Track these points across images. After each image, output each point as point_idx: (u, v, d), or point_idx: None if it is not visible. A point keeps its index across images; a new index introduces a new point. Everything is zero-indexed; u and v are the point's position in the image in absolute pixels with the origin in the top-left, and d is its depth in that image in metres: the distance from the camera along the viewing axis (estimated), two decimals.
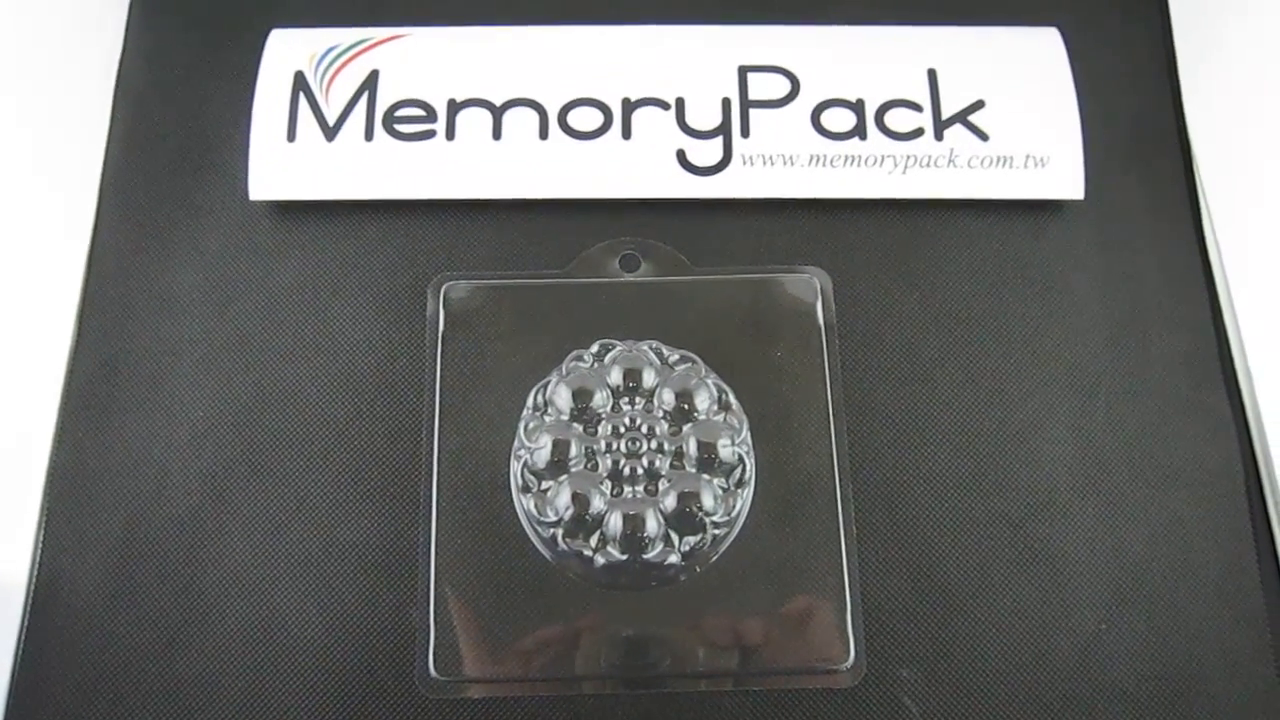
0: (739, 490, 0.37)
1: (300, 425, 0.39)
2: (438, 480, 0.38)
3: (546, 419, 0.38)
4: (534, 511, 0.37)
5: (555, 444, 0.37)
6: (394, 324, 0.40)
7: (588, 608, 0.37)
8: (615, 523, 0.36)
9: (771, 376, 0.39)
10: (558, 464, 0.37)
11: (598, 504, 0.36)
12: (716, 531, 0.37)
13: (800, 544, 0.38)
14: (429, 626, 0.36)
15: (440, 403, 0.40)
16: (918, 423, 0.40)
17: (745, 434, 0.38)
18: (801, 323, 0.40)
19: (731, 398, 0.38)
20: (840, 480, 0.39)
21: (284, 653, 0.36)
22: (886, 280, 0.41)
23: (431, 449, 0.38)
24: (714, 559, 0.38)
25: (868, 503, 0.39)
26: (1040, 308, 0.41)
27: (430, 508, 0.38)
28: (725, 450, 0.37)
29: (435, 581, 0.37)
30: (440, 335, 0.41)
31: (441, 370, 0.40)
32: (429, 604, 0.36)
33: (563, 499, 0.36)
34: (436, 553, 0.37)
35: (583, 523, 0.36)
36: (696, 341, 0.39)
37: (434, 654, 0.36)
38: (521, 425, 0.38)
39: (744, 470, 0.37)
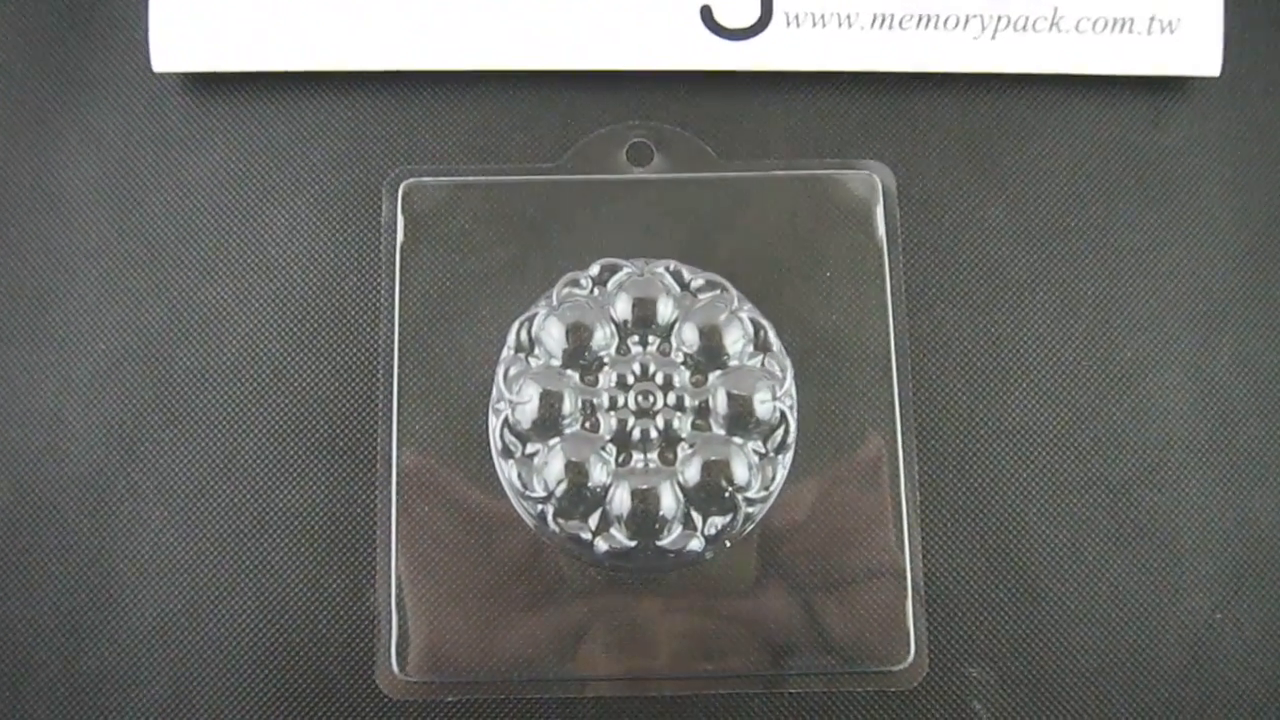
0: (779, 456, 0.29)
1: (226, 362, 0.33)
2: (399, 433, 0.32)
3: (532, 363, 0.29)
4: (517, 483, 0.28)
5: (543, 397, 0.28)
6: (341, 234, 0.34)
7: (588, 594, 0.30)
8: (622, 499, 0.28)
9: (819, 305, 0.32)
10: (547, 423, 0.28)
11: (599, 475, 0.28)
12: (751, 510, 0.28)
13: (850, 516, 0.31)
14: (391, 614, 0.31)
15: (400, 335, 0.32)
16: (1000, 363, 0.34)
17: (789, 383, 0.29)
18: (857, 235, 0.33)
19: (771, 335, 0.30)
20: (903, 436, 0.32)
21: (212, 644, 0.31)
22: (965, 180, 0.35)
23: (390, 393, 0.32)
24: (744, 535, 0.30)
25: (935, 464, 0.33)
26: (1158, 217, 0.35)
27: (390, 467, 0.31)
28: (763, 406, 0.28)
29: (398, 559, 0.31)
30: (399, 249, 0.32)
31: (401, 294, 0.32)
32: (390, 587, 0.31)
33: (554, 469, 0.28)
34: (399, 523, 0.31)
35: (580, 499, 0.28)
36: (726, 261, 0.32)
37: (397, 648, 0.30)
38: (500, 371, 0.29)
39: (786, 430, 0.29)
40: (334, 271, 0.34)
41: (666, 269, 0.30)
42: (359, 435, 0.32)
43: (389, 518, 0.32)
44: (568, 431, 0.29)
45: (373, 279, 0.33)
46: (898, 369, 0.32)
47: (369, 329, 0.33)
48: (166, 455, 0.33)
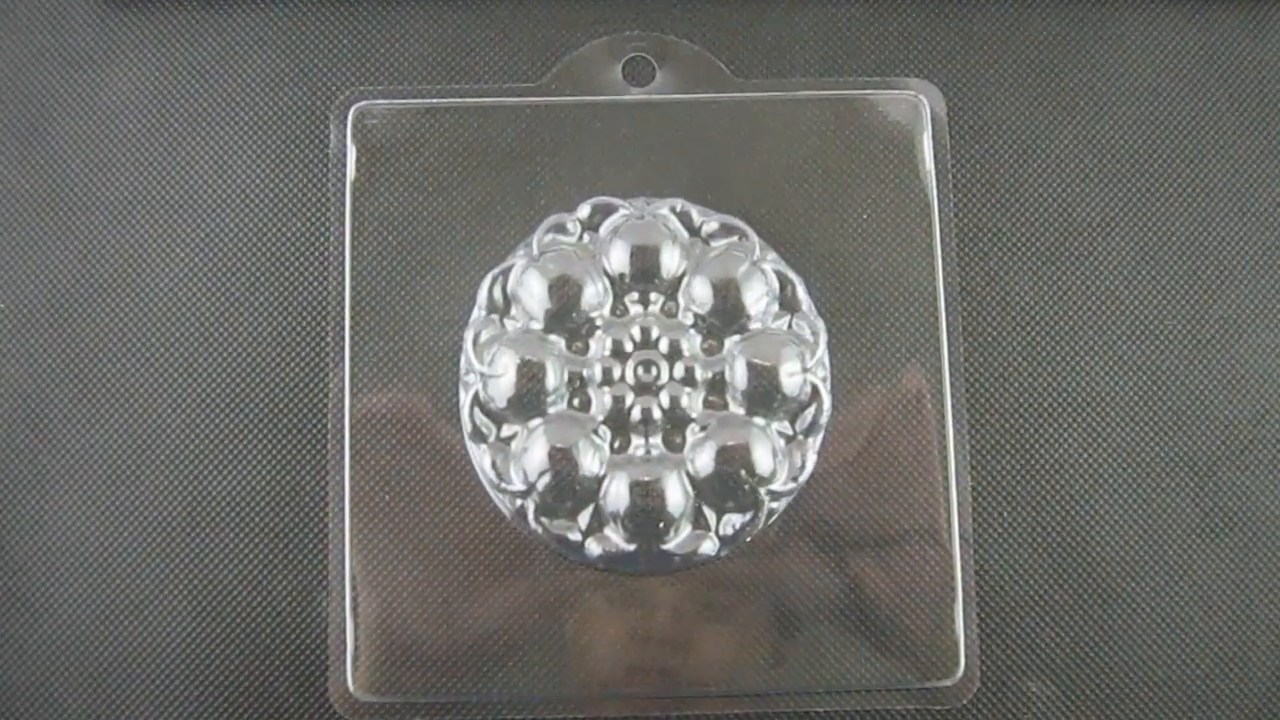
0: (810, 439, 0.23)
1: (148, 324, 0.29)
2: (352, 408, 0.28)
3: (508, 326, 0.24)
4: (491, 473, 0.23)
5: (521, 368, 0.23)
6: (281, 169, 0.30)
7: (580, 597, 0.25)
8: (618, 494, 0.23)
9: (853, 254, 0.28)
10: (526, 400, 0.23)
11: (590, 464, 0.23)
12: (775, 505, 0.23)
13: (891, 505, 0.27)
14: (345, 621, 0.27)
15: (353, 292, 0.27)
16: (1067, 322, 0.29)
17: (821, 349, 0.24)
18: (900, 169, 0.29)
19: (800, 291, 0.24)
20: (952, 409, 0.28)
21: (137, 655, 0.28)
22: (1028, 103, 0.30)
23: (342, 360, 0.28)
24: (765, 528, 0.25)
25: (989, 442, 0.29)
26: (1257, 146, 0.30)
27: (342, 448, 0.28)
28: (792, 379, 0.23)
29: (352, 556, 0.27)
30: (349, 187, 0.27)
31: (353, 241, 0.28)
32: (344, 588, 0.27)
33: (535, 457, 0.23)
34: (353, 514, 0.27)
35: (567, 493, 0.23)
36: (742, 200, 0.27)
37: (354, 662, 0.27)
38: (469, 336, 0.24)
39: (819, 407, 0.23)
40: (273, 214, 0.29)
41: (672, 210, 0.25)
42: (306, 410, 0.28)
43: (341, 508, 0.27)
44: (552, 411, 0.24)
45: (320, 223, 0.29)
46: (947, 329, 0.28)
47: (316, 283, 0.28)
48: (78, 435, 0.29)
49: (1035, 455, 0.29)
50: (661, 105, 0.29)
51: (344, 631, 0.27)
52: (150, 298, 0.29)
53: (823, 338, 0.25)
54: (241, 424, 0.29)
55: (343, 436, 0.28)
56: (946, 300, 0.29)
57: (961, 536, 0.28)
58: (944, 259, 0.29)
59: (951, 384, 0.28)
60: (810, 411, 0.25)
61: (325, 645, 0.28)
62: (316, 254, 0.29)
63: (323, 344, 0.29)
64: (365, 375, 0.28)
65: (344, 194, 0.29)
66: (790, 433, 0.25)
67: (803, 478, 0.24)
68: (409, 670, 0.27)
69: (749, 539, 0.25)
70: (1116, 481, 0.29)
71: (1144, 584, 0.28)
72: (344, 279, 0.28)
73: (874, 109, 0.30)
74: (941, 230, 0.29)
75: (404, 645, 0.28)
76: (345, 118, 0.29)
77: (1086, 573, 0.29)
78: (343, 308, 0.28)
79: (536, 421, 0.24)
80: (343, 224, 0.29)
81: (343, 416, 0.28)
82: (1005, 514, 0.29)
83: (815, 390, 0.24)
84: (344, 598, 0.27)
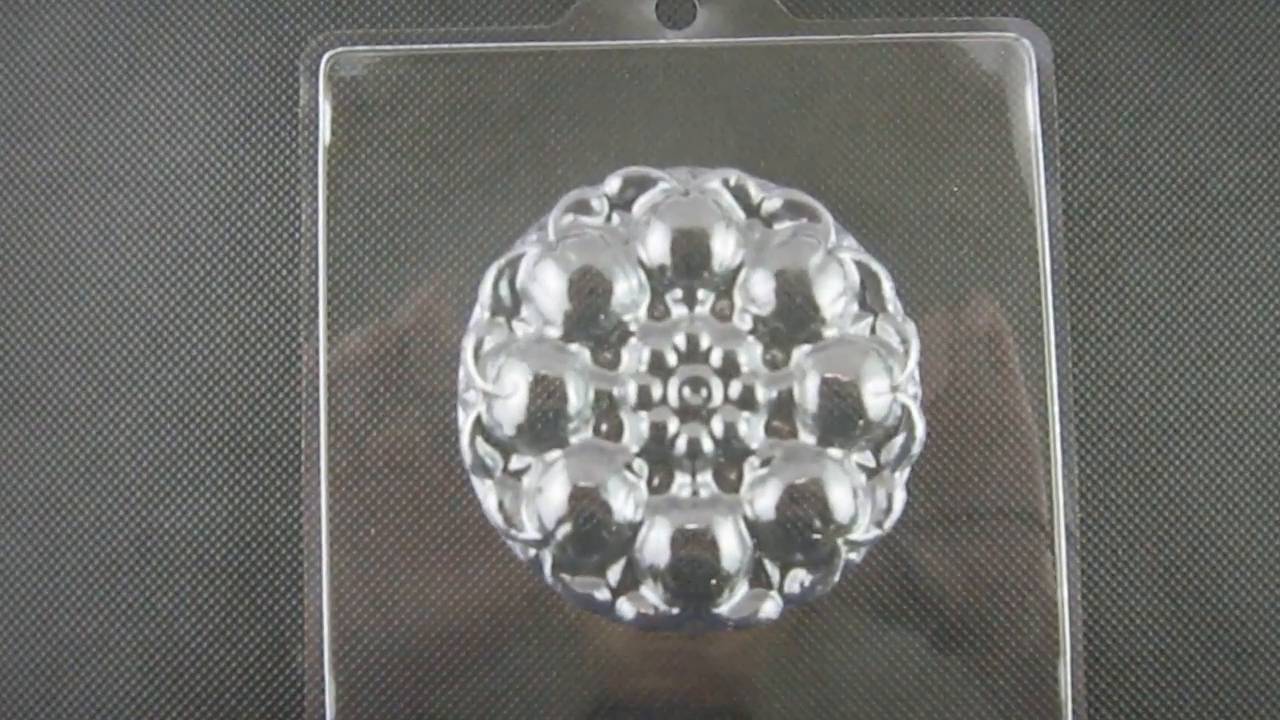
0: (897, 473, 0.18)
1: (86, 321, 0.25)
2: (330, 426, 0.23)
3: (519, 332, 0.19)
4: (498, 517, 0.18)
5: (535, 386, 0.18)
6: (241, 132, 0.25)
7: (614, 656, 0.21)
8: (658, 545, 0.18)
9: (939, 236, 0.23)
10: (541, 427, 0.18)
11: (623, 508, 0.18)
12: (853, 556, 0.18)
13: (983, 544, 0.23)
14: (323, 683, 0.23)
15: (328, 282, 0.22)
16: (1197, 318, 0.24)
17: (913, 362, 0.19)
18: (995, 130, 0.24)
19: (886, 287, 0.19)
20: (1060, 428, 0.23)
21: (79, 714, 0.24)
22: (1151, 51, 0.25)
23: (316, 366, 0.23)
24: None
25: (1104, 467, 0.24)
26: None
27: (318, 475, 0.23)
28: (877, 399, 0.18)
29: (332, 604, 0.23)
30: (323, 152, 0.22)
31: (328, 220, 0.24)
32: (322, 640, 0.23)
33: (553, 498, 0.18)
34: (332, 554, 0.23)
35: (594, 543, 0.18)
36: (805, 169, 0.22)
37: None
38: (469, 344, 0.19)
39: (911, 434, 0.18)
40: (233, 189, 0.25)
41: (724, 183, 0.20)
42: (276, 426, 0.23)
43: (318, 544, 0.22)
44: (574, 441, 0.19)
45: (289, 200, 0.24)
46: (1054, 328, 0.23)
47: (286, 273, 0.24)
48: (6, 455, 0.25)
49: (1159, 482, 0.24)
50: (705, 52, 0.24)
51: (322, 694, 0.23)
52: (88, 290, 0.25)
53: (914, 345, 0.20)
54: (199, 442, 0.24)
55: (318, 459, 0.23)
56: (1054, 292, 0.24)
57: (1069, 581, 0.23)
58: (1049, 242, 0.24)
59: (1059, 396, 0.23)
60: (900, 439, 0.19)
61: (300, 710, 0.23)
62: (286, 237, 0.25)
63: (294, 347, 0.24)
64: (344, 386, 0.23)
65: (316, 163, 0.23)
66: (874, 465, 0.20)
67: (889, 522, 0.20)
68: None
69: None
70: (1256, 513, 0.24)
71: None
72: (317, 268, 0.23)
73: (964, 56, 0.24)
74: (1048, 206, 0.24)
75: (396, 713, 0.23)
76: (317, 68, 0.24)
77: (1218, 624, 0.24)
78: (316, 303, 0.23)
79: (555, 454, 0.19)
80: (315, 200, 0.23)
81: (318, 436, 0.23)
82: (1121, 553, 0.24)
83: (906, 413, 0.19)
84: (322, 653, 0.23)
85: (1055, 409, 0.23)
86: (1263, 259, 0.25)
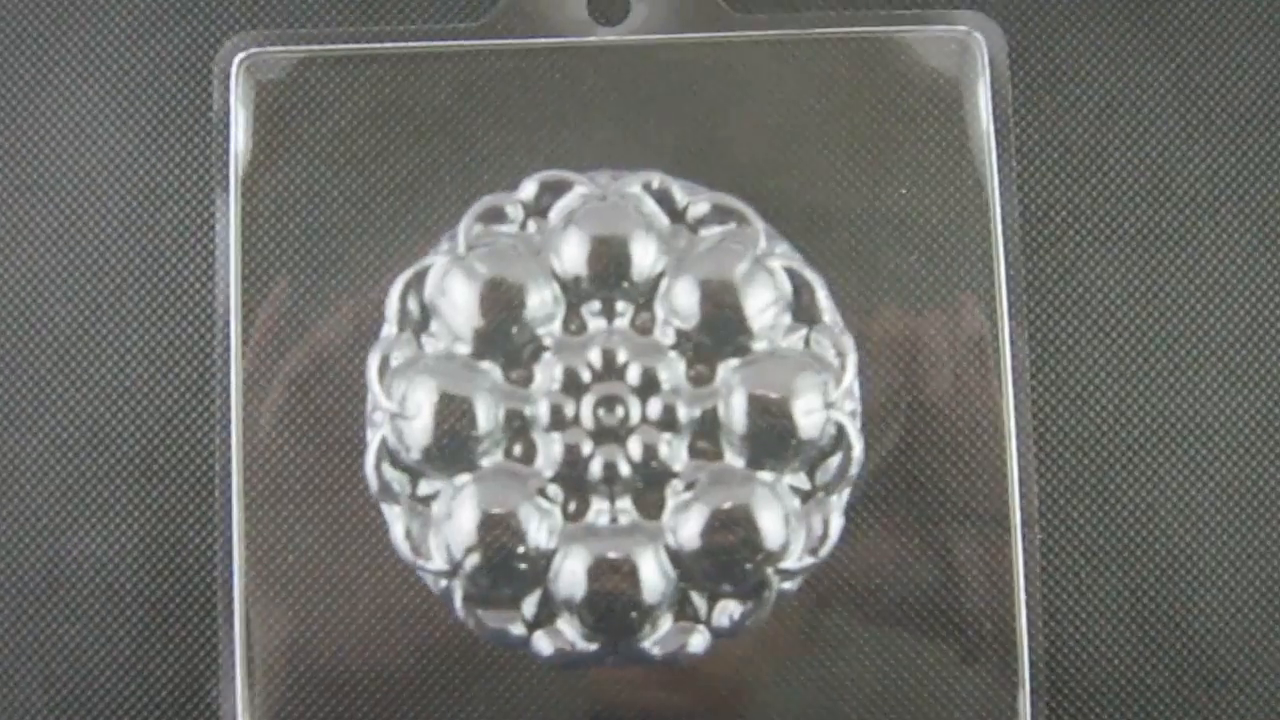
0: (834, 496, 0.17)
1: None
2: (245, 447, 0.22)
3: (428, 348, 0.17)
4: (404, 547, 0.17)
5: (441, 406, 0.17)
6: (152, 138, 0.23)
7: (536, 688, 0.19)
8: (573, 577, 0.17)
9: (887, 241, 0.22)
10: (449, 449, 0.17)
11: (536, 536, 0.17)
12: (787, 585, 0.17)
13: (934, 567, 0.21)
14: (237, 716, 0.22)
15: (243, 295, 0.21)
16: (1162, 325, 0.23)
17: (850, 376, 0.17)
18: (947, 129, 0.22)
19: (821, 296, 0.18)
20: (1016, 443, 0.22)
21: None
22: (1114, 44, 0.23)
23: (228, 383, 0.22)
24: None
25: (1064, 484, 0.23)
26: None
27: (230, 500, 0.22)
28: (809, 417, 0.17)
29: (247, 635, 0.21)
30: (237, 159, 0.21)
31: (243, 230, 0.22)
32: (235, 676, 0.21)
33: (461, 526, 0.17)
34: (249, 584, 0.22)
35: (505, 574, 0.17)
36: (744, 172, 0.21)
37: None
38: (374, 361, 0.17)
39: (847, 455, 0.17)
40: (143, 198, 0.24)
41: (646, 187, 0.18)
42: (190, 448, 0.22)
43: (231, 576, 0.21)
44: (484, 464, 0.17)
45: (203, 209, 0.23)
46: (1009, 338, 0.21)
47: (199, 286, 0.22)
48: None
49: (1124, 499, 0.23)
50: (638, 49, 0.23)
51: None
52: None
53: (851, 359, 0.18)
54: (109, 464, 0.23)
55: (231, 483, 0.22)
56: (1009, 300, 0.22)
57: (1028, 605, 0.22)
58: (1005, 247, 0.22)
59: (1015, 409, 0.22)
60: (835, 460, 0.18)
61: None
62: (200, 248, 0.23)
63: (208, 364, 0.23)
64: (260, 405, 0.22)
65: (230, 172, 0.22)
66: (808, 488, 0.18)
67: (825, 549, 0.18)
68: None
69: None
70: (1227, 531, 0.23)
71: (1261, 665, 0.22)
72: (230, 281, 0.22)
73: (913, 52, 0.23)
74: (1002, 208, 0.22)
75: None
76: (236, 71, 0.23)
77: (1189, 650, 0.22)
78: (229, 319, 0.22)
79: (463, 478, 0.18)
80: (229, 213, 0.22)
81: (230, 456, 0.22)
82: (1084, 576, 0.23)
83: (842, 432, 0.18)
84: (234, 690, 0.21)
85: (1011, 423, 0.22)
86: (1231, 262, 0.23)
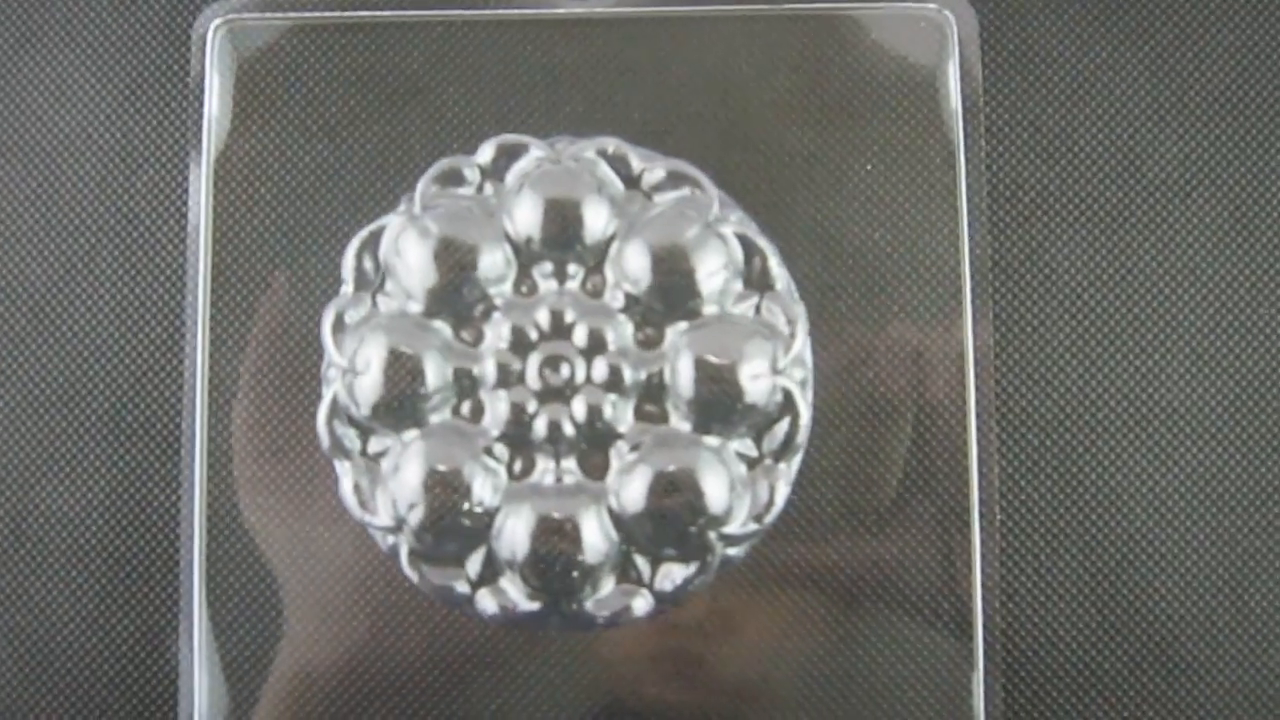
0: (781, 464, 0.17)
1: None
2: (210, 405, 0.22)
3: (382, 306, 0.18)
4: (353, 501, 0.17)
5: (391, 362, 0.17)
6: (132, 102, 0.24)
7: (486, 652, 0.19)
8: (516, 535, 0.17)
9: (852, 217, 0.22)
10: (398, 405, 0.17)
11: (482, 493, 0.17)
12: (732, 551, 0.17)
13: (890, 545, 0.21)
14: (194, 673, 0.22)
15: (214, 257, 0.22)
16: (1131, 309, 0.23)
17: (800, 344, 0.17)
18: (916, 107, 0.22)
19: (773, 264, 0.18)
20: (977, 425, 0.22)
21: None
22: (1085, 21, 0.23)
23: (197, 346, 0.22)
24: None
25: (1026, 468, 0.22)
26: None
27: (195, 457, 0.22)
28: (756, 381, 0.17)
29: (209, 594, 0.22)
30: (211, 124, 0.21)
31: (215, 193, 0.23)
32: (197, 634, 0.22)
33: (407, 481, 0.17)
34: (211, 541, 0.22)
35: (449, 531, 0.17)
36: (708, 147, 0.21)
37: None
38: (328, 317, 0.18)
39: (795, 423, 0.17)
40: (121, 161, 0.24)
41: (601, 153, 0.18)
42: (158, 407, 0.22)
43: (193, 534, 0.21)
44: (432, 419, 0.17)
45: (179, 173, 0.23)
46: (972, 316, 0.21)
47: (173, 248, 0.22)
48: None
49: (1086, 483, 0.22)
50: (608, 22, 0.23)
51: (192, 687, 0.22)
52: None
53: (802, 327, 0.18)
54: (79, 421, 0.23)
55: (196, 441, 0.22)
56: (973, 279, 0.22)
57: (985, 587, 0.21)
58: (970, 224, 0.22)
59: (977, 390, 0.22)
60: (783, 427, 0.18)
61: (174, 700, 0.22)
62: (174, 212, 0.24)
63: (179, 324, 0.23)
64: (227, 365, 0.22)
65: (203, 134, 0.23)
66: (755, 455, 0.18)
67: (770, 516, 0.18)
68: None
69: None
70: (1191, 518, 0.22)
71: (1219, 652, 0.22)
72: (200, 243, 0.22)
73: (884, 29, 0.23)
74: (969, 188, 0.22)
75: (273, 705, 0.22)
76: (213, 40, 0.23)
77: (1148, 636, 0.22)
78: (199, 280, 0.22)
79: (411, 435, 0.18)
80: (201, 172, 0.23)
81: (197, 416, 0.22)
82: (1044, 560, 0.22)
83: (789, 398, 0.18)
84: (191, 646, 0.22)
85: (972, 402, 0.22)
86: (1203, 247, 0.23)
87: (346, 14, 0.23)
